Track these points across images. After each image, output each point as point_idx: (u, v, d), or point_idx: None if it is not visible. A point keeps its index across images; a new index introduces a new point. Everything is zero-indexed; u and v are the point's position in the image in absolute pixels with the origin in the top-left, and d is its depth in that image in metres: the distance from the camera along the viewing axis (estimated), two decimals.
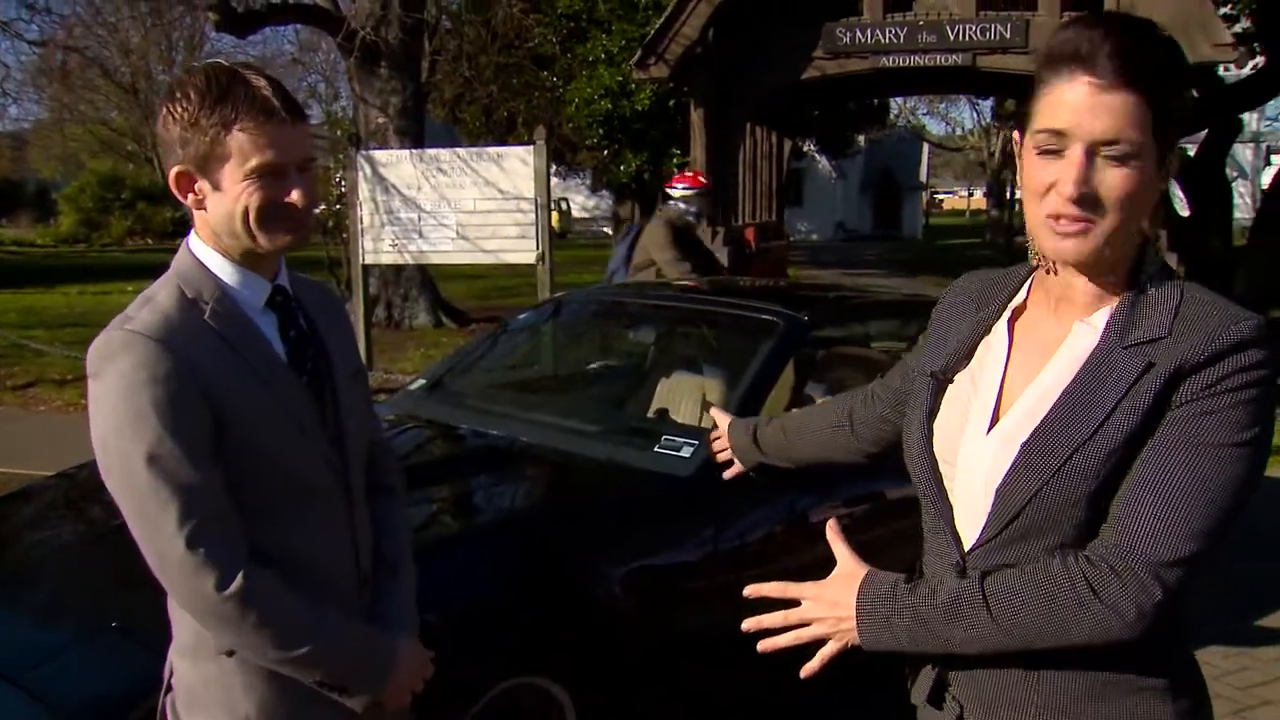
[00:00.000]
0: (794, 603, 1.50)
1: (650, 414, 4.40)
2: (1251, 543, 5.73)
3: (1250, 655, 4.29)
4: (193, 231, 1.68)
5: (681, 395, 4.50)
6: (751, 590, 1.52)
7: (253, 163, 1.56)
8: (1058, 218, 1.28)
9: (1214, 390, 1.25)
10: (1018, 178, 1.39)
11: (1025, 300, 1.46)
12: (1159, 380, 1.27)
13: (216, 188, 1.59)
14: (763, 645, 1.51)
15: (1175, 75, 1.28)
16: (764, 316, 3.87)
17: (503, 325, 4.96)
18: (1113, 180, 1.26)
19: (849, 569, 1.45)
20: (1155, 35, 1.28)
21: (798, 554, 3.43)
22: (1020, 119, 1.37)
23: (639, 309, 4.89)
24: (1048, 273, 1.39)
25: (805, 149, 29.17)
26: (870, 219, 46.56)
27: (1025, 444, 1.33)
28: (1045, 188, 1.29)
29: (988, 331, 1.48)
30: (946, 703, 1.47)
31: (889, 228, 45.34)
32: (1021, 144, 1.36)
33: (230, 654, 1.64)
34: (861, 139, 36.37)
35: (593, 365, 5.31)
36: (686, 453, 3.32)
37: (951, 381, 1.49)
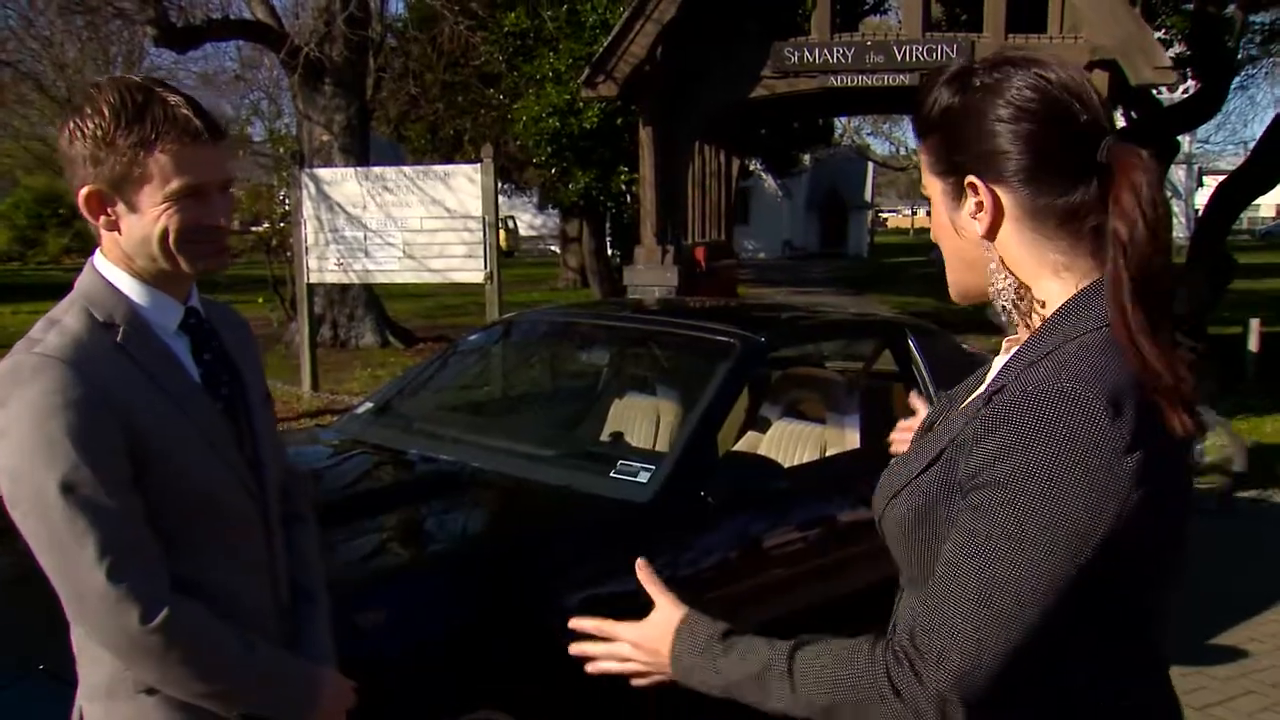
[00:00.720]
0: None
1: (605, 437, 4.32)
2: (1206, 563, 5.77)
3: (1206, 674, 4.29)
4: (98, 251, 1.59)
5: (636, 417, 4.43)
6: (575, 624, 1.47)
7: (174, 184, 1.50)
8: None
9: (1001, 471, 1.13)
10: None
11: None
12: (957, 443, 1.21)
13: (133, 209, 1.51)
14: (590, 668, 1.46)
15: (941, 110, 1.27)
16: (720, 338, 3.80)
17: (452, 346, 4.85)
18: (931, 223, 1.36)
19: (666, 615, 1.38)
20: (944, 79, 1.29)
21: (757, 577, 3.36)
22: None
23: (591, 329, 4.81)
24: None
25: (752, 168, 29.33)
26: (817, 237, 46.88)
27: (884, 471, 1.38)
28: None
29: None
30: None
31: (835, 246, 45.69)
32: None
33: (150, 692, 1.55)
34: (807, 158, 36.64)
35: (545, 387, 5.22)
36: (644, 478, 3.25)
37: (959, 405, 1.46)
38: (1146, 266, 1.15)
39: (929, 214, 1.39)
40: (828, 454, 4.03)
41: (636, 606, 3.05)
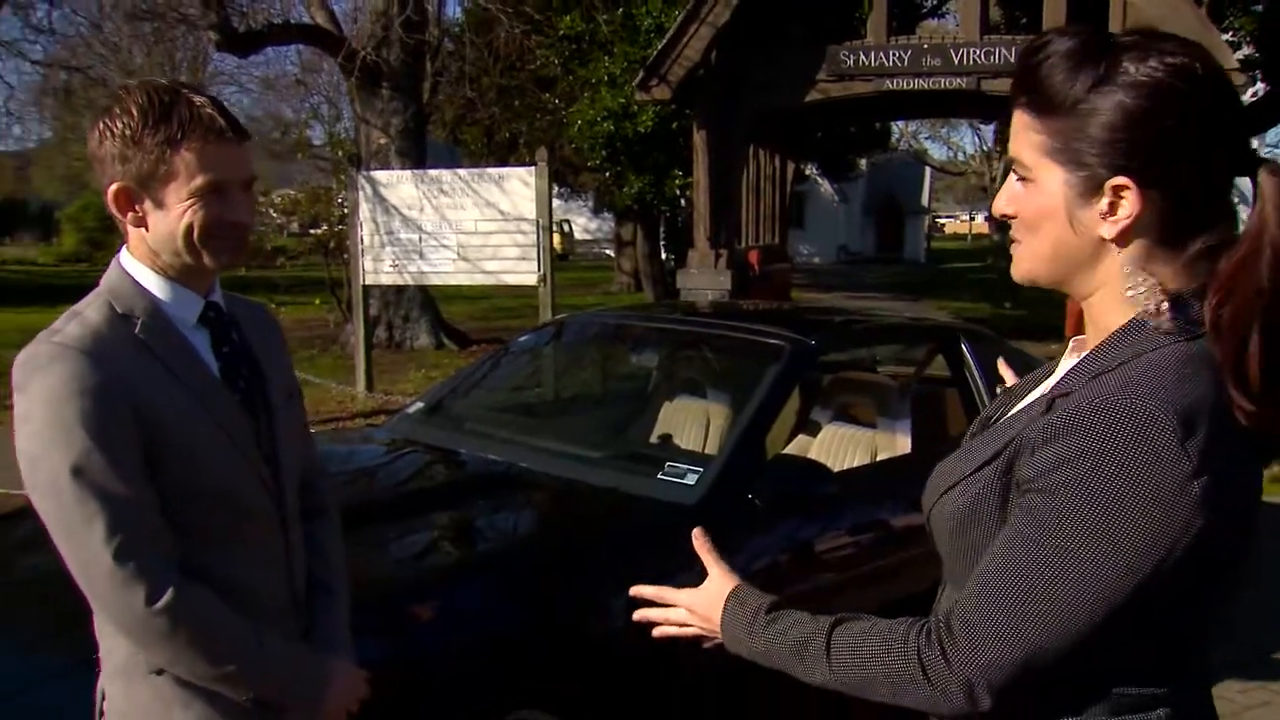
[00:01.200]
0: None
1: (654, 439, 4.32)
2: (1270, 571, 5.63)
3: (1270, 689, 4.18)
4: (124, 248, 1.64)
5: (686, 419, 4.42)
6: (635, 591, 1.54)
7: (199, 181, 1.54)
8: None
9: (1059, 477, 1.11)
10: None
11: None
12: (1016, 444, 1.18)
13: (160, 205, 1.57)
14: (655, 633, 1.53)
15: (1092, 98, 1.15)
16: (770, 340, 3.79)
17: (504, 347, 4.88)
18: (1014, 201, 1.24)
19: (718, 584, 1.43)
20: (1084, 51, 1.17)
21: (803, 581, 3.34)
22: None
23: (642, 331, 4.81)
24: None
25: (808, 172, 29.21)
26: (873, 242, 46.59)
27: (935, 467, 1.36)
28: None
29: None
30: None
31: (892, 251, 45.34)
32: None
33: (161, 673, 1.59)
34: (863, 163, 36.43)
35: (595, 389, 5.23)
36: (691, 480, 3.24)
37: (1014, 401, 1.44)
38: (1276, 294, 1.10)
39: (988, 218, 1.34)
40: (878, 458, 3.99)
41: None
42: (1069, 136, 1.16)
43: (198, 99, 1.55)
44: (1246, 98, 14.32)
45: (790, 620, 1.32)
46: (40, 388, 1.48)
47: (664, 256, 25.62)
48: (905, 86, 8.94)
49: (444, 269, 9.58)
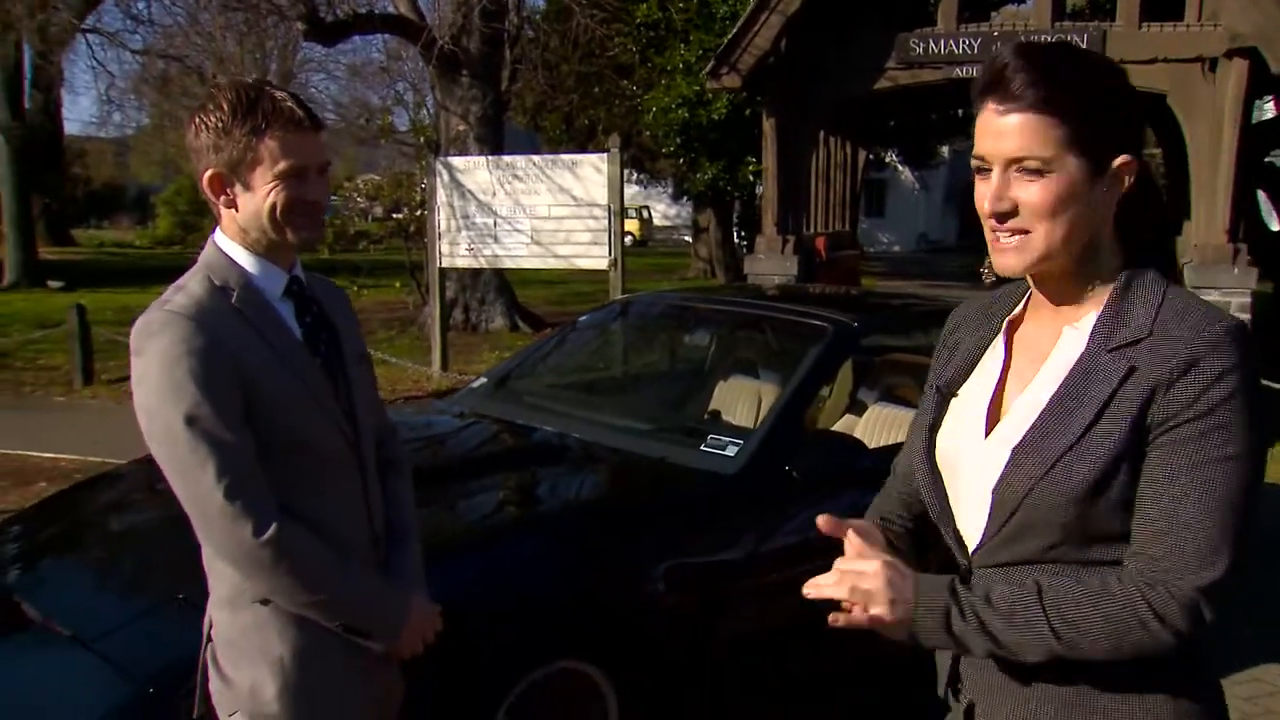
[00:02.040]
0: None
1: (706, 415, 4.50)
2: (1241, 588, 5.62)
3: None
4: (218, 229, 1.86)
5: (738, 398, 4.59)
6: (824, 523, 1.52)
7: (281, 165, 1.76)
8: (994, 233, 1.38)
9: (1205, 401, 1.29)
10: None
11: (1022, 312, 1.52)
12: (1143, 386, 1.32)
13: (248, 188, 1.78)
14: (832, 618, 1.47)
15: (1092, 92, 1.33)
16: (813, 321, 3.94)
17: (568, 325, 5.10)
18: (1028, 194, 1.34)
19: (883, 558, 1.43)
20: (1064, 58, 1.35)
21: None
22: None
23: (701, 312, 4.99)
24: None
25: (888, 160, 28.98)
26: (954, 231, 45.91)
27: (1016, 448, 1.39)
28: (980, 209, 1.39)
29: (989, 345, 1.54)
30: (961, 695, 1.55)
31: (973, 239, 44.52)
32: None
33: (265, 602, 1.81)
34: (945, 150, 35.94)
35: (654, 367, 5.42)
36: (731, 451, 3.42)
37: (956, 395, 1.55)
38: None
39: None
40: None
41: (716, 569, 3.24)
42: (1085, 126, 1.33)
43: (279, 94, 1.77)
44: None
45: (987, 585, 1.37)
46: (155, 349, 1.70)
47: (736, 242, 25.67)
48: (975, 74, 8.95)
49: (518, 253, 9.84)
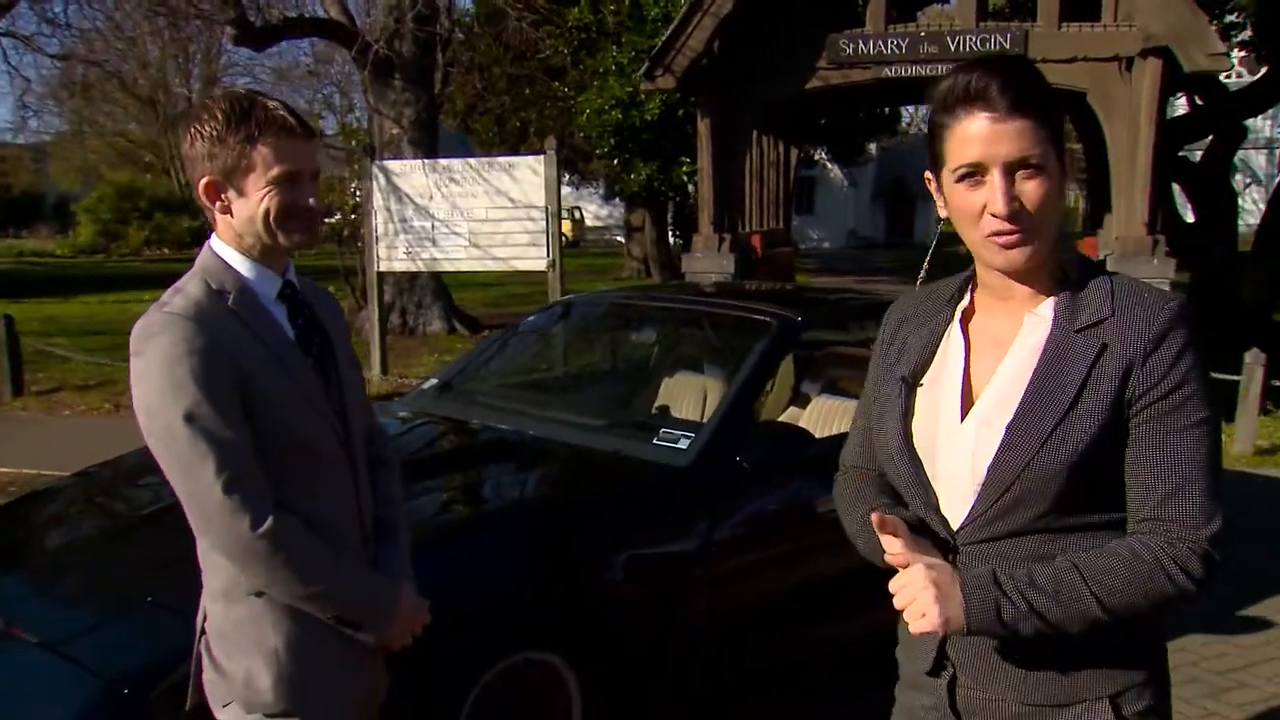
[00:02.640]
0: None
1: (654, 410, 4.60)
2: (1239, 534, 5.89)
3: (1229, 643, 4.45)
4: (214, 234, 1.92)
5: (684, 393, 4.70)
6: (887, 542, 1.54)
7: (274, 171, 1.81)
8: (999, 234, 1.47)
9: (1176, 372, 1.45)
10: (937, 211, 1.60)
11: (971, 303, 1.63)
12: (1116, 362, 1.46)
13: (241, 194, 1.84)
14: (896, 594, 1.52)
15: (1050, 98, 1.49)
16: (758, 317, 4.06)
17: (512, 327, 5.16)
18: (1032, 192, 1.45)
19: (929, 562, 1.48)
20: (1029, 68, 1.51)
21: (789, 539, 3.62)
22: (932, 159, 1.56)
23: (644, 311, 5.09)
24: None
25: (817, 157, 29.35)
26: (883, 227, 46.65)
27: (1010, 425, 1.49)
28: (978, 212, 1.47)
29: (944, 335, 1.64)
30: (945, 670, 1.63)
31: (901, 235, 45.40)
32: (938, 181, 1.55)
33: (259, 595, 1.87)
34: (873, 147, 36.49)
35: (599, 366, 5.50)
36: (684, 444, 3.52)
37: (921, 385, 1.64)
38: None
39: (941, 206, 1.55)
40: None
41: (672, 558, 3.33)
42: (1056, 128, 1.49)
43: (271, 103, 1.83)
44: (1254, 79, 14.39)
45: (1026, 570, 1.46)
46: (155, 350, 1.76)
47: (672, 242, 25.82)
48: (903, 74, 9.16)
49: (456, 256, 9.86)
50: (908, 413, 1.63)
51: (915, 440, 1.61)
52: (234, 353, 1.79)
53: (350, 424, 1.99)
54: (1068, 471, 1.46)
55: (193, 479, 1.76)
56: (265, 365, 1.83)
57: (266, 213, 1.82)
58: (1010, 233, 1.46)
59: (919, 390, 1.64)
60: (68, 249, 35.44)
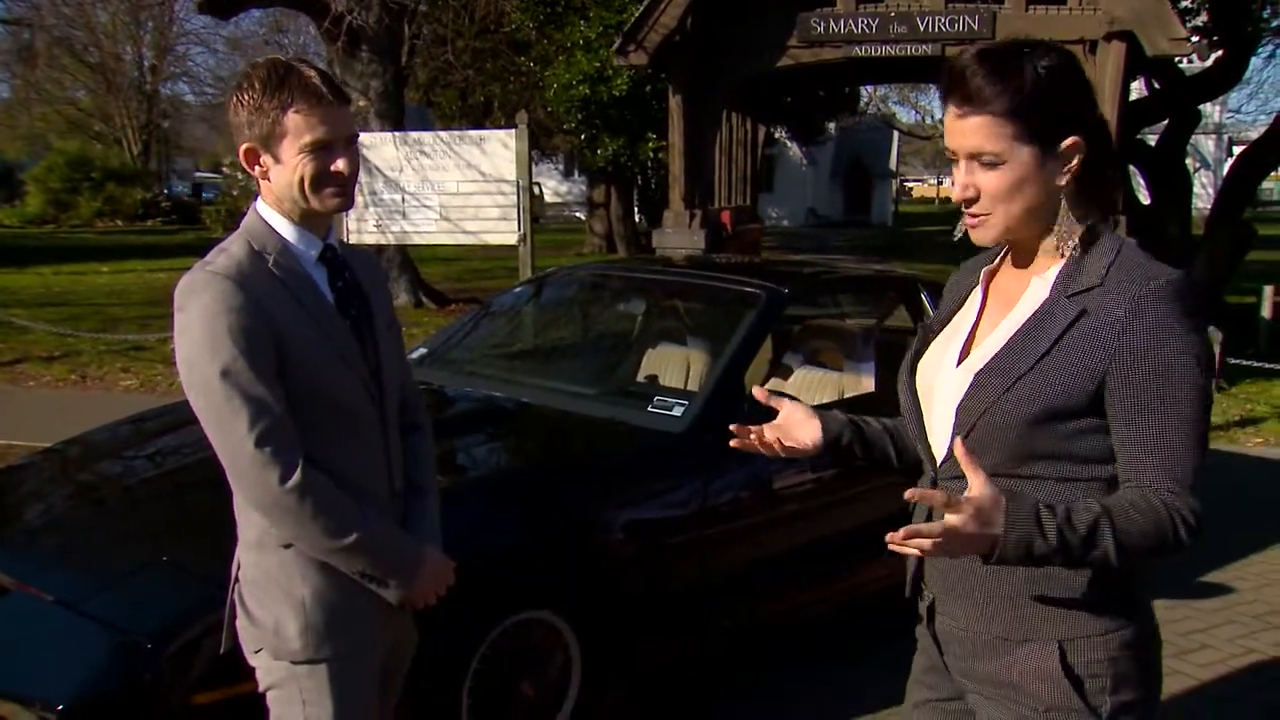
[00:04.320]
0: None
1: (643, 380, 4.69)
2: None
3: (1191, 606, 4.64)
4: (259, 197, 1.98)
5: (668, 364, 4.79)
6: (911, 494, 1.55)
7: (306, 139, 1.87)
8: (967, 214, 1.64)
9: (1157, 342, 1.51)
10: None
11: (998, 265, 1.77)
12: (1092, 326, 1.55)
13: (278, 160, 1.90)
14: (894, 537, 1.49)
15: (1038, 88, 1.54)
16: (747, 289, 4.15)
17: (490, 300, 5.22)
18: (987, 182, 1.59)
19: (991, 490, 1.49)
20: (1012, 59, 1.56)
21: (780, 503, 3.73)
22: None
23: (626, 284, 5.16)
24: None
25: (777, 136, 29.46)
26: (841, 205, 46.92)
27: (979, 372, 1.64)
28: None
29: (971, 293, 1.80)
30: (924, 594, 1.80)
31: (859, 214, 45.74)
32: None
33: (288, 546, 1.94)
34: (832, 126, 36.69)
35: (582, 339, 5.58)
36: (678, 411, 3.62)
37: (937, 333, 1.81)
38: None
39: (953, 183, 1.65)
40: (845, 398, 4.38)
41: (668, 520, 3.42)
42: (1031, 121, 1.56)
43: (308, 71, 1.89)
44: (1210, 63, 14.69)
45: (1065, 510, 1.51)
46: (197, 306, 1.83)
47: (637, 218, 25.84)
48: (873, 53, 9.28)
49: (426, 229, 9.84)
50: (918, 355, 1.80)
51: (918, 379, 1.78)
52: (271, 312, 1.85)
53: (384, 384, 2.04)
54: (1024, 422, 1.57)
55: (226, 432, 1.83)
56: (302, 325, 1.89)
57: (301, 179, 1.88)
58: (971, 215, 1.62)
59: (935, 338, 1.80)
60: (15, 219, 34.69)
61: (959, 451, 1.51)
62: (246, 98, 1.87)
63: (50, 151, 37.60)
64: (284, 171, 1.89)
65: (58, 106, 40.61)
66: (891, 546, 1.47)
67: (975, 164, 1.58)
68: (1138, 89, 14.66)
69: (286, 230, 1.95)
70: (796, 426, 1.93)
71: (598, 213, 26.68)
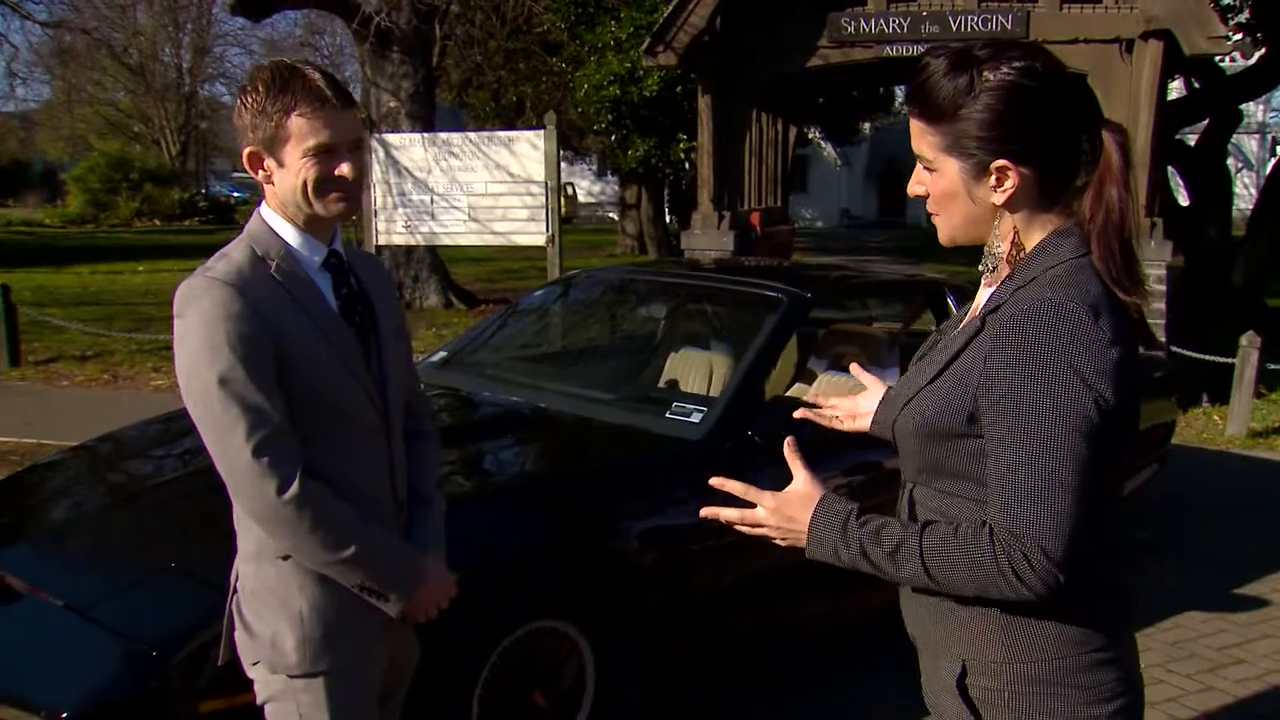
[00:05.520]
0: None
1: (663, 385, 4.64)
2: (1233, 514, 5.98)
3: (1226, 620, 4.53)
4: (264, 202, 1.94)
5: (691, 368, 4.73)
6: (715, 482, 1.68)
7: (309, 143, 1.83)
8: None
9: (1009, 377, 1.41)
10: None
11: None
12: (977, 349, 1.48)
13: (281, 164, 1.86)
14: (705, 512, 1.67)
15: (975, 104, 1.46)
16: (768, 293, 4.09)
17: (516, 303, 5.19)
18: (926, 185, 1.57)
19: (807, 489, 1.58)
20: (960, 66, 1.48)
21: None
22: None
23: (649, 286, 5.11)
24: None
25: (811, 136, 29.28)
26: (875, 206, 46.66)
27: (891, 387, 1.67)
28: None
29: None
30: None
31: (894, 215, 45.43)
32: None
33: (287, 558, 1.90)
34: (867, 127, 36.42)
35: (605, 342, 5.53)
36: (696, 418, 3.56)
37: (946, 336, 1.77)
38: (1124, 220, 1.49)
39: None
40: None
41: (685, 529, 3.38)
42: (955, 136, 1.50)
43: (313, 74, 1.84)
44: (1253, 61, 14.40)
45: (880, 523, 1.49)
46: (196, 312, 1.79)
47: (668, 219, 25.77)
48: (904, 53, 9.16)
49: (455, 230, 9.86)
50: (919, 358, 1.75)
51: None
52: (272, 318, 1.81)
53: (389, 393, 2.00)
54: (916, 436, 1.55)
55: (223, 442, 1.79)
56: (303, 331, 1.85)
57: (304, 183, 1.84)
58: (930, 211, 1.60)
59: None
60: (56, 219, 35.17)
61: (786, 449, 1.63)
62: (250, 100, 1.83)
63: (91, 152, 38.09)
64: (287, 176, 1.85)
65: (98, 108, 41.14)
66: (701, 513, 1.65)
67: (920, 164, 1.57)
68: (1177, 88, 14.44)
69: (290, 235, 1.91)
70: (869, 400, 1.96)
71: (630, 214, 26.65)
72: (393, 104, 13.41)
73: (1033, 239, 1.53)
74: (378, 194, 9.95)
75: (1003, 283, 1.55)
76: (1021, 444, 1.40)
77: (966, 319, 1.64)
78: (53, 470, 3.78)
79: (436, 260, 14.44)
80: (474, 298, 14.97)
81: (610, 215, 37.71)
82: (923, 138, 1.53)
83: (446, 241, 10.24)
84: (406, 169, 9.87)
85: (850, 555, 1.50)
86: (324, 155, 1.84)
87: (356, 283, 2.00)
